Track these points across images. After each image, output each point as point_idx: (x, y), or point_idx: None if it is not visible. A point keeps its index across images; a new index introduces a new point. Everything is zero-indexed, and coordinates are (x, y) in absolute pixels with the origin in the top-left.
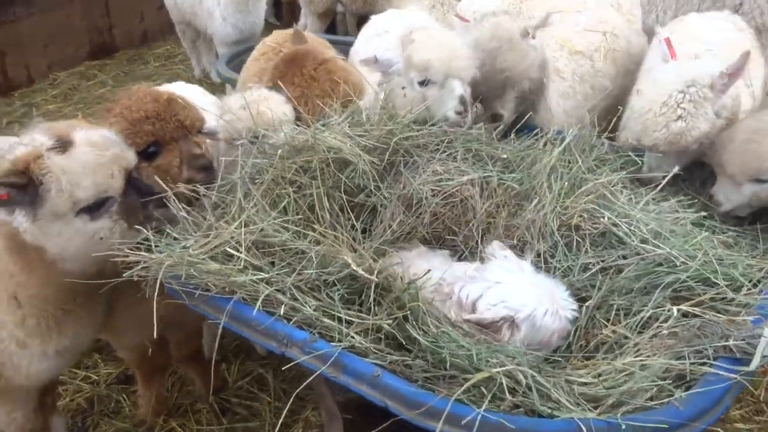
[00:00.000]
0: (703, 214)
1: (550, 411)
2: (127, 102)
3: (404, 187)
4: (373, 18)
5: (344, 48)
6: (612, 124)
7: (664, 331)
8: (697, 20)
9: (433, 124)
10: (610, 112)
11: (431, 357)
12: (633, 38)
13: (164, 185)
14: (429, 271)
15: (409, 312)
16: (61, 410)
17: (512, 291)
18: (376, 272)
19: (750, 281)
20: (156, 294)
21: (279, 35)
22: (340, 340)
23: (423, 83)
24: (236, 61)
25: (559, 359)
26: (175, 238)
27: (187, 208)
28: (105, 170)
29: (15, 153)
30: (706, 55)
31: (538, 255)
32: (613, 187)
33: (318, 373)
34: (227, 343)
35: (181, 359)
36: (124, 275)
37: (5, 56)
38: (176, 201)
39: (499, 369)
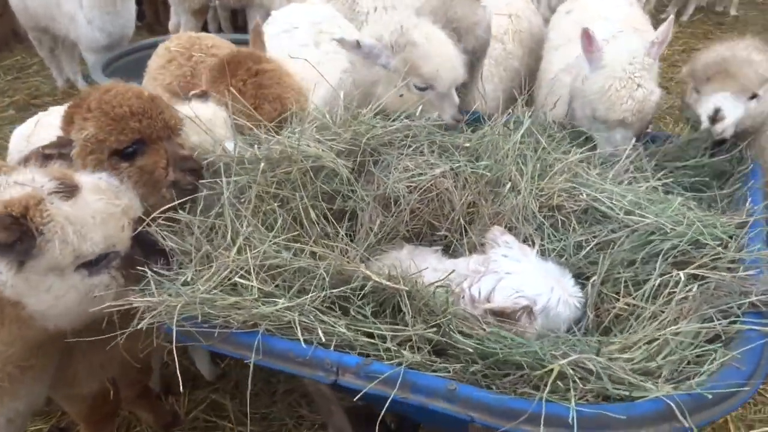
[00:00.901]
0: (662, 181)
1: (626, 393)
2: (105, 97)
3: (379, 187)
4: (274, 14)
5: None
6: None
7: (681, 296)
8: None
9: (394, 119)
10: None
11: (483, 360)
12: (533, 18)
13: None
14: (453, 271)
15: (445, 317)
16: None
17: (525, 281)
18: (401, 282)
19: (730, 237)
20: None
21: (182, 39)
22: (389, 358)
23: (423, 89)
24: (112, 67)
25: (580, 339)
26: (175, 273)
27: (174, 238)
28: (116, 222)
29: (9, 194)
30: (626, 30)
31: (525, 239)
32: (582, 164)
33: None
34: (169, 372)
35: (131, 399)
36: (136, 325)
37: None
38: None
39: (567, 360)
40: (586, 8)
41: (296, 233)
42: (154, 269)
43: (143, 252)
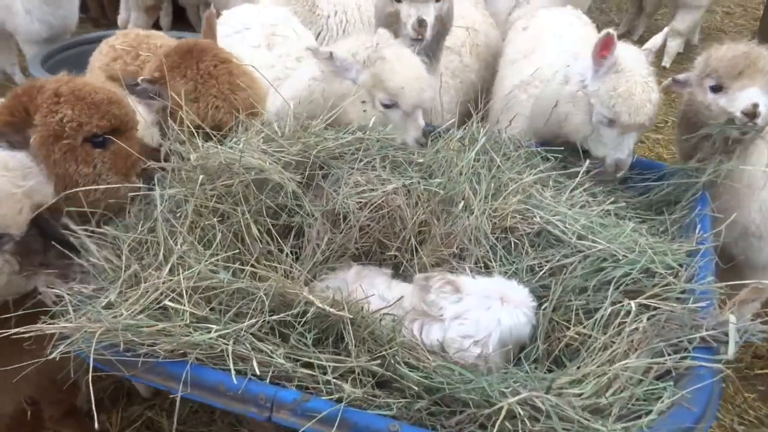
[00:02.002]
0: (615, 205)
1: None
2: (73, 85)
3: (327, 202)
4: (226, 14)
5: None
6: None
7: (632, 327)
8: (548, 15)
9: (345, 132)
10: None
11: (429, 395)
12: (490, 32)
13: (77, 230)
14: (401, 297)
15: (391, 347)
16: None
17: (471, 323)
18: (347, 308)
19: (681, 266)
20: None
21: (129, 36)
22: (329, 392)
23: (388, 106)
24: (52, 61)
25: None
26: (97, 292)
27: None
28: (14, 203)
29: None
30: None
31: (477, 261)
32: (536, 185)
33: None
34: (101, 387)
35: (57, 418)
36: (48, 355)
37: None
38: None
39: (516, 398)
40: (542, 25)
41: (237, 251)
42: (69, 286)
43: (43, 240)
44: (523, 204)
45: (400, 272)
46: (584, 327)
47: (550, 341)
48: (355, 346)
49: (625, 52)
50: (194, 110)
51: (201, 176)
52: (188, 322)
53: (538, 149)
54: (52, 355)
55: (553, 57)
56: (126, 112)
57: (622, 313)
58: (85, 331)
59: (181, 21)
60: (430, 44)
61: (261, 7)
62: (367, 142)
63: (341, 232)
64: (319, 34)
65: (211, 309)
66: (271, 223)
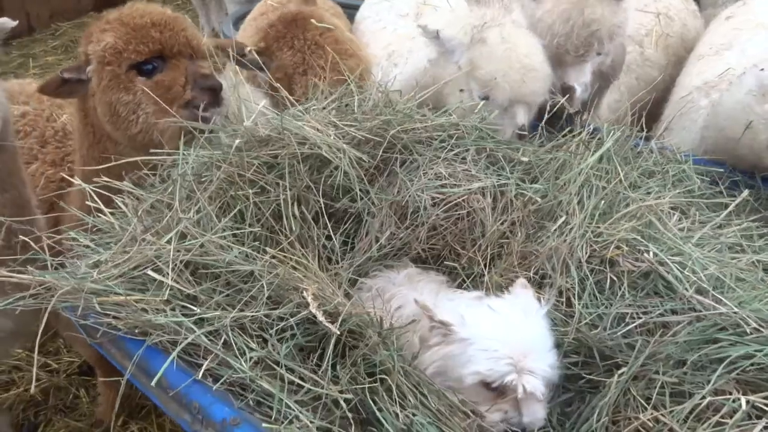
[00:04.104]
0: None
1: None
2: (125, 11)
3: (399, 192)
4: None
5: (350, 13)
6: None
7: None
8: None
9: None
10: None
11: None
12: (689, 21)
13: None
14: (413, 321)
15: (382, 377)
16: (11, 403)
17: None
18: (341, 318)
19: None
20: None
21: None
22: (276, 420)
23: (484, 98)
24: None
25: None
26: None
27: (106, 211)
28: None
29: None
30: None
31: (560, 294)
32: (662, 210)
33: None
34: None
35: None
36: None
37: (3, 2)
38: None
39: None
40: (752, 14)
41: (266, 229)
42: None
43: None
44: (636, 233)
45: (464, 287)
46: (666, 414)
47: (617, 419)
48: (347, 367)
49: None
50: (303, 83)
51: (238, 141)
52: (165, 298)
53: (693, 166)
54: (3, 305)
55: (756, 55)
56: (171, 35)
57: (725, 409)
58: (44, 288)
59: None
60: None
61: None
62: (464, 128)
63: (407, 228)
64: None
65: (215, 290)
66: (325, 205)
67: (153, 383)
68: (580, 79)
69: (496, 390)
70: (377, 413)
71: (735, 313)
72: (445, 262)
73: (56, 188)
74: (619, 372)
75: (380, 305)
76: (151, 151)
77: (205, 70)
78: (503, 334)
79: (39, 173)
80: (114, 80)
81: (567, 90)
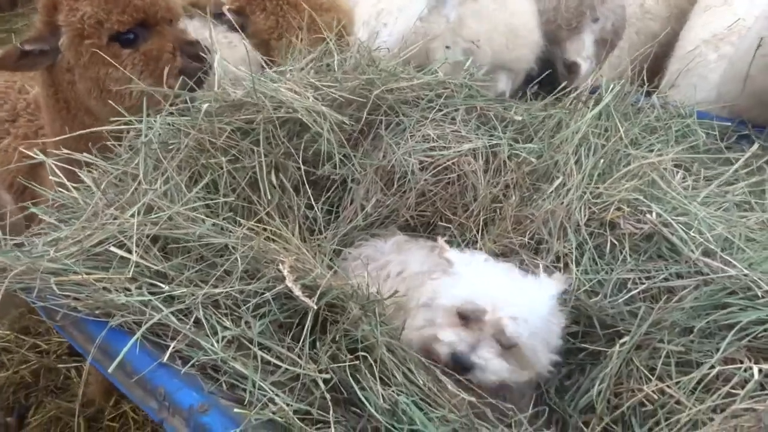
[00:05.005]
0: None
1: None
2: None
3: (384, 156)
4: None
5: None
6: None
7: (744, 405)
8: None
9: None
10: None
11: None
12: None
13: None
14: (396, 292)
15: (364, 354)
16: (1, 385)
17: None
18: (319, 291)
19: None
20: None
21: None
22: (250, 404)
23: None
24: None
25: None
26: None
27: (69, 185)
28: None
29: None
30: None
31: (557, 259)
32: (665, 168)
33: None
34: None
35: None
36: None
37: None
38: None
39: None
40: None
41: (243, 198)
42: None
43: None
44: (638, 192)
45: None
46: (673, 386)
47: (620, 392)
48: (326, 344)
49: None
50: (280, 48)
51: (206, 105)
52: (131, 275)
53: (698, 120)
54: None
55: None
56: (153, 2)
57: (736, 379)
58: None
59: None
60: None
61: None
62: (453, 87)
63: (393, 195)
64: None
65: (184, 266)
66: (306, 172)
67: (111, 369)
68: (582, 53)
69: (467, 320)
70: (359, 393)
71: (745, 275)
72: (438, 223)
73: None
74: (621, 341)
75: (370, 274)
76: (111, 120)
77: (189, 36)
78: (500, 285)
79: (12, 149)
80: (97, 55)
81: (571, 67)
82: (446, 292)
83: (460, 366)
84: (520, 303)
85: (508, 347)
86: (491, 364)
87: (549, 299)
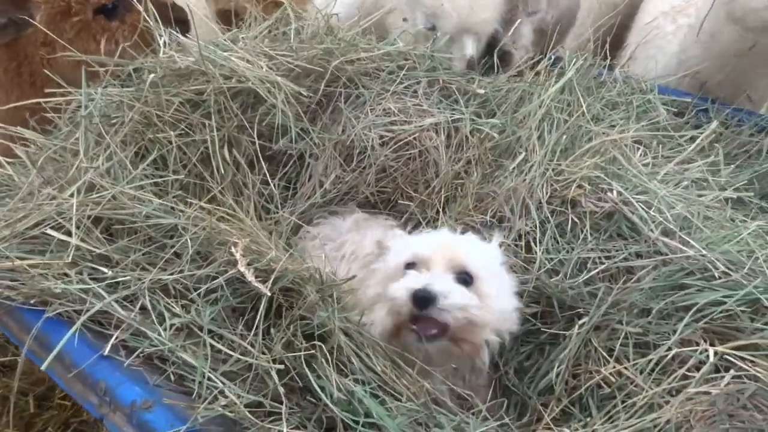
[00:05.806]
0: (745, 187)
1: None
2: None
3: (344, 130)
4: None
5: None
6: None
7: (700, 389)
8: None
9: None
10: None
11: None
12: None
13: None
14: (354, 277)
15: (319, 343)
16: None
17: None
18: (273, 276)
19: None
20: None
21: None
22: (200, 395)
23: (430, 28)
24: None
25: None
26: None
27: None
28: None
29: None
30: None
31: (519, 237)
32: (626, 145)
33: None
34: None
35: None
36: None
37: None
38: None
39: None
40: None
41: (194, 175)
42: None
43: None
44: (600, 170)
45: (417, 229)
46: (629, 367)
47: (578, 373)
48: (281, 331)
49: None
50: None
51: (153, 75)
52: (71, 260)
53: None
54: None
55: None
56: None
57: (692, 361)
58: None
59: None
60: None
61: None
62: (414, 58)
63: (353, 171)
64: None
65: (130, 248)
66: (261, 147)
67: (45, 364)
68: (518, 43)
69: (417, 266)
70: (314, 382)
71: (703, 255)
72: (399, 202)
73: None
74: (580, 322)
75: (327, 256)
76: (47, 91)
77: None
78: (445, 236)
79: None
80: (85, 30)
81: (503, 56)
82: (392, 260)
83: (422, 301)
84: (470, 244)
85: (462, 275)
86: (454, 290)
87: (496, 247)
